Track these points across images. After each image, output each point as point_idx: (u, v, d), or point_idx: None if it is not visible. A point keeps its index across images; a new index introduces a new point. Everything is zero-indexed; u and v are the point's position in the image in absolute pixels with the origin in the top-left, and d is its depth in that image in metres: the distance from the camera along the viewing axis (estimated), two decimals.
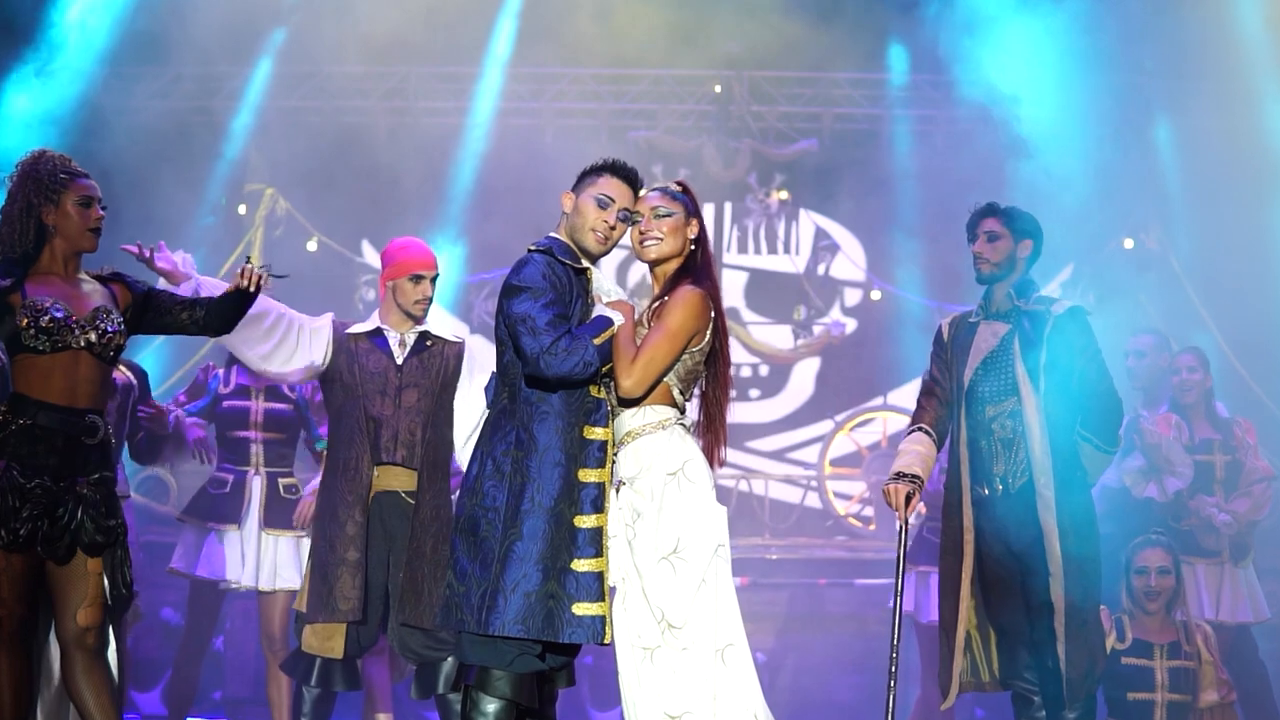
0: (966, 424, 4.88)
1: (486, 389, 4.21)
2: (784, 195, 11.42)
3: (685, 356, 4.03)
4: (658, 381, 3.99)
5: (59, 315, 4.21)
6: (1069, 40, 8.86)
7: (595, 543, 3.91)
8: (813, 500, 11.22)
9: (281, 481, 6.31)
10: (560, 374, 3.87)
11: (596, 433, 3.98)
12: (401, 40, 9.62)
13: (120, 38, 9.30)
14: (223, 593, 6.36)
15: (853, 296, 11.78)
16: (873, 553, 9.64)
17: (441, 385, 5.17)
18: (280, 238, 10.61)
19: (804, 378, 11.80)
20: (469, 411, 5.11)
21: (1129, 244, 10.53)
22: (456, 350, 5.25)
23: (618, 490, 4.00)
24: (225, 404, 6.33)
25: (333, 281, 10.62)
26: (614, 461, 4.01)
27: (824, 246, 11.68)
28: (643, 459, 3.97)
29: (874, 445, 11.06)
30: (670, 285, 4.11)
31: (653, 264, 4.17)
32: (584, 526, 3.91)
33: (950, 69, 9.56)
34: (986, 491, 4.84)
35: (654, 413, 4.01)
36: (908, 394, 10.37)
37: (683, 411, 4.08)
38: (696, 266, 4.14)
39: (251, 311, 4.73)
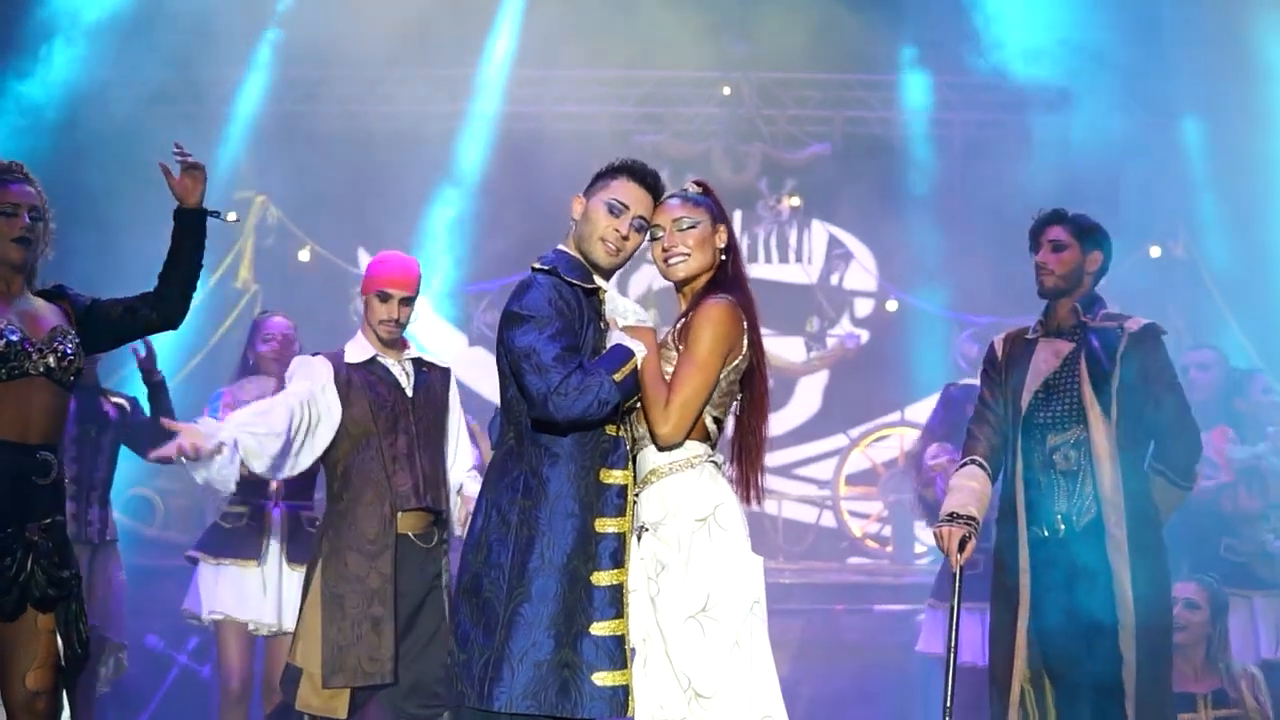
0: (1023, 454, 4.45)
1: (490, 427, 3.77)
2: (795, 201, 11.16)
3: (719, 378, 3.56)
4: (697, 420, 3.53)
5: (14, 339, 3.90)
6: (1092, 43, 8.69)
7: (615, 602, 3.44)
8: (828, 520, 10.91)
9: (304, 514, 5.90)
10: (572, 417, 3.39)
11: (615, 476, 3.50)
12: (398, 42, 9.36)
13: (106, 40, 8.97)
14: (252, 634, 5.90)
15: (865, 307, 11.47)
16: (891, 577, 9.37)
17: (442, 417, 4.80)
18: (271, 247, 10.30)
19: (810, 391, 11.46)
20: (462, 450, 4.73)
21: (1155, 252, 10.23)
22: (446, 376, 4.88)
23: (639, 537, 3.54)
24: None
25: (326, 293, 10.29)
26: (635, 504, 3.55)
27: (837, 255, 11.40)
28: (669, 502, 3.51)
29: (890, 462, 10.72)
30: (696, 303, 3.63)
31: (680, 283, 3.70)
32: (602, 584, 3.43)
33: (967, 70, 9.39)
34: (1046, 532, 4.42)
35: (683, 449, 3.55)
36: (925, 410, 10.05)
37: (715, 445, 3.63)
38: (728, 279, 3.66)
39: (264, 433, 4.37)
